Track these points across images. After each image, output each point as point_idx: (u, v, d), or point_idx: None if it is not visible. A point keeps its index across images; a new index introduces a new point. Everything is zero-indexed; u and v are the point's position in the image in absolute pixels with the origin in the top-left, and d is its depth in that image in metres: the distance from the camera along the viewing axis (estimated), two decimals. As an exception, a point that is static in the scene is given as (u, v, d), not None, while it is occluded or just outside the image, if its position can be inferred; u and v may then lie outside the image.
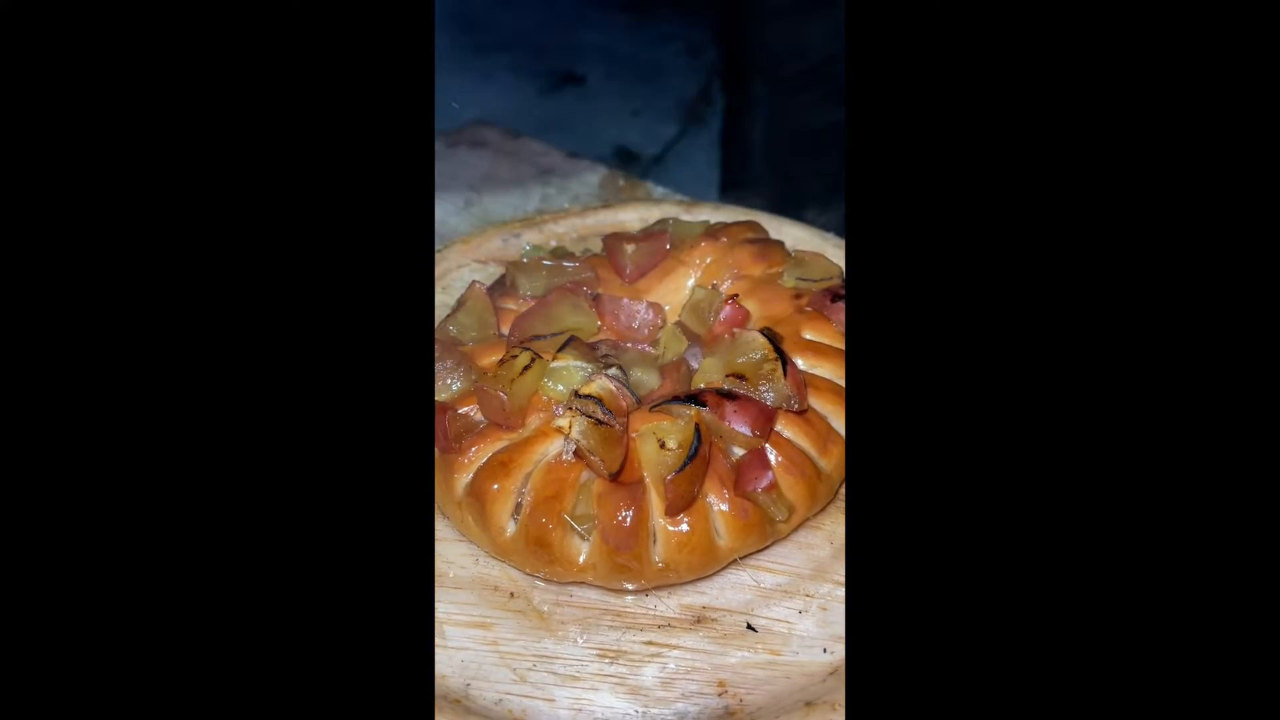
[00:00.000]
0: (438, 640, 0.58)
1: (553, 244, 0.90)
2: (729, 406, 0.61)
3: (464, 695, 0.55)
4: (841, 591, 0.60)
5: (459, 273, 0.88)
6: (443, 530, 0.65)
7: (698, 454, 0.58)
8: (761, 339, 0.66)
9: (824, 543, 0.64)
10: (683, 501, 0.58)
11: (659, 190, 1.05)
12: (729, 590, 0.61)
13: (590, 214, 0.94)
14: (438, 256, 0.88)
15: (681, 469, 0.57)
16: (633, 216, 0.93)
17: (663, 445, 0.59)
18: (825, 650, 0.57)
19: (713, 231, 0.79)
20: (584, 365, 0.65)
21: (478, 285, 0.74)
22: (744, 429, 0.61)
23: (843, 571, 0.62)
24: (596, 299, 0.73)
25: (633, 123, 1.15)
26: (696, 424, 0.59)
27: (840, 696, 0.52)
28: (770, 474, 0.59)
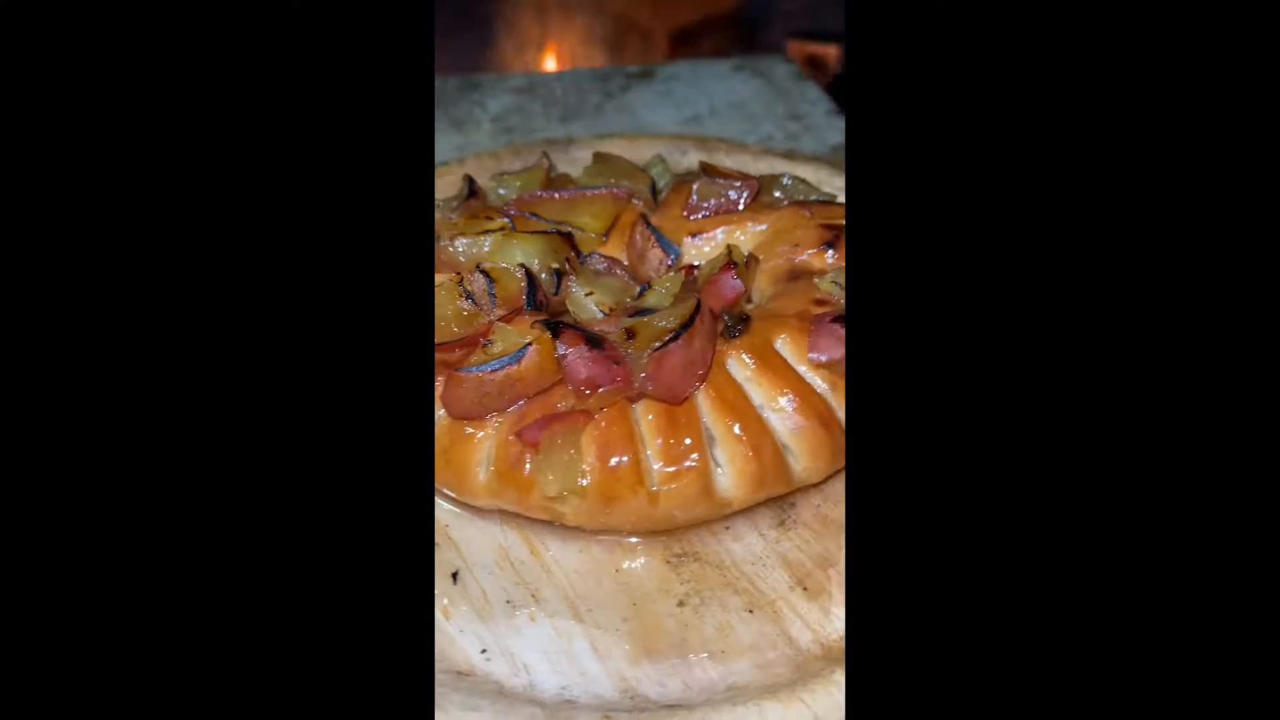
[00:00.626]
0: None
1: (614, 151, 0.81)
2: (580, 348, 0.51)
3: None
4: (569, 625, 0.47)
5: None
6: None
7: (500, 370, 0.50)
8: (690, 305, 0.52)
9: (611, 571, 0.50)
10: (460, 405, 0.51)
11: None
12: (478, 533, 0.52)
13: (765, 158, 0.82)
14: (595, 143, 0.86)
15: (470, 370, 0.50)
16: (812, 175, 0.79)
17: (487, 345, 0.52)
18: (484, 651, 0.46)
19: (804, 203, 0.63)
20: (533, 255, 0.59)
21: (546, 156, 0.72)
22: (575, 376, 0.50)
23: (592, 610, 0.48)
24: (642, 218, 0.65)
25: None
26: (528, 345, 0.51)
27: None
28: (538, 433, 0.48)
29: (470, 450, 0.51)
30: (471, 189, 0.68)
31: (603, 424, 0.50)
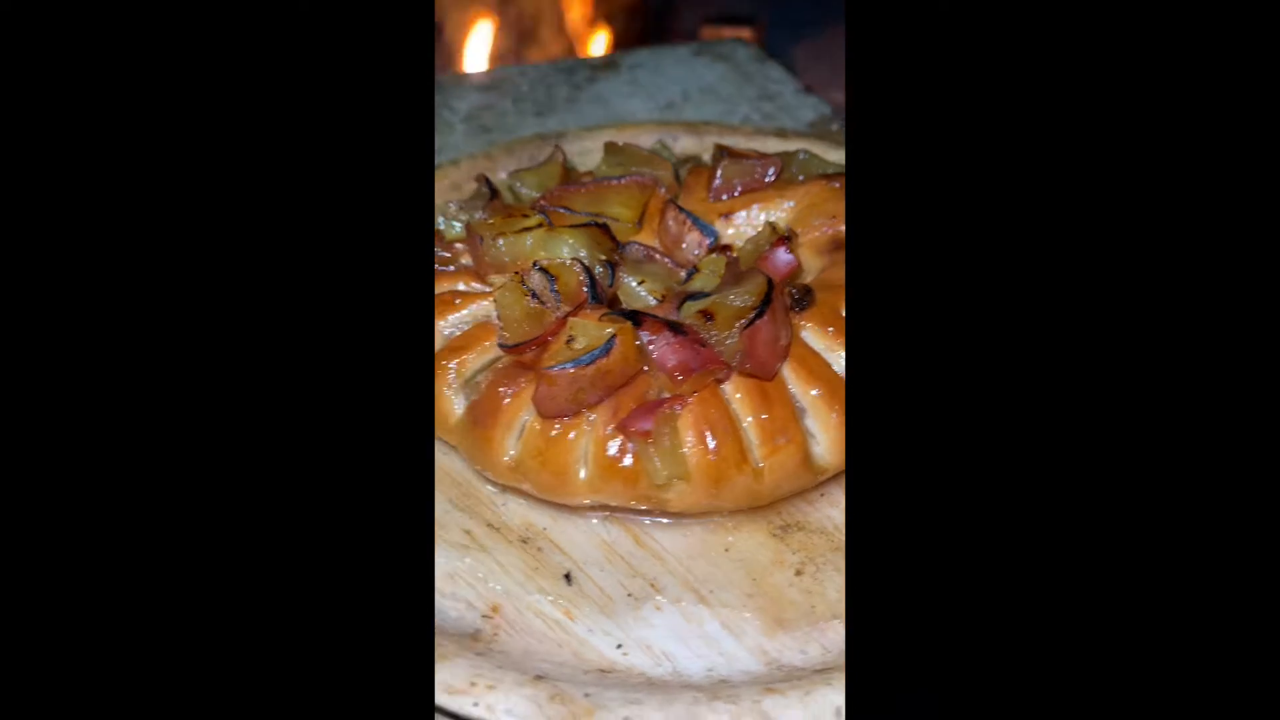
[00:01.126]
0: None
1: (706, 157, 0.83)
2: (665, 336, 0.51)
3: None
4: (697, 609, 0.48)
5: (598, 155, 0.85)
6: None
7: (592, 364, 0.49)
8: (762, 282, 0.53)
9: (721, 550, 0.51)
10: (553, 404, 0.50)
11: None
12: (578, 532, 0.52)
13: (758, 138, 0.84)
14: (585, 134, 0.86)
15: (559, 367, 0.49)
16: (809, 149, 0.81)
17: (569, 341, 0.52)
18: (619, 647, 0.46)
19: (832, 175, 0.65)
20: (579, 248, 0.59)
21: (559, 149, 0.71)
22: (666, 365, 0.50)
23: (715, 590, 0.49)
24: (667, 203, 0.65)
25: (791, 98, 0.98)
26: (614, 337, 0.50)
27: (574, 691, 0.42)
28: (650, 422, 0.48)
29: (567, 450, 0.50)
30: (491, 189, 0.67)
31: (698, 407, 0.50)
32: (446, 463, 0.57)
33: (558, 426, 0.50)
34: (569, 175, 0.70)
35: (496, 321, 0.56)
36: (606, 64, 1.09)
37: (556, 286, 0.55)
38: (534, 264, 0.56)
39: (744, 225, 0.65)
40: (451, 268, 0.61)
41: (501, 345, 0.53)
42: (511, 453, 0.51)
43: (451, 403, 0.55)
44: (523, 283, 0.55)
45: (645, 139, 0.86)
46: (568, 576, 0.50)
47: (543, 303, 0.54)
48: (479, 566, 0.50)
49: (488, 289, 0.59)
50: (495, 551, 0.51)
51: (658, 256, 0.63)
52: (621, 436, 0.50)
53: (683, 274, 0.61)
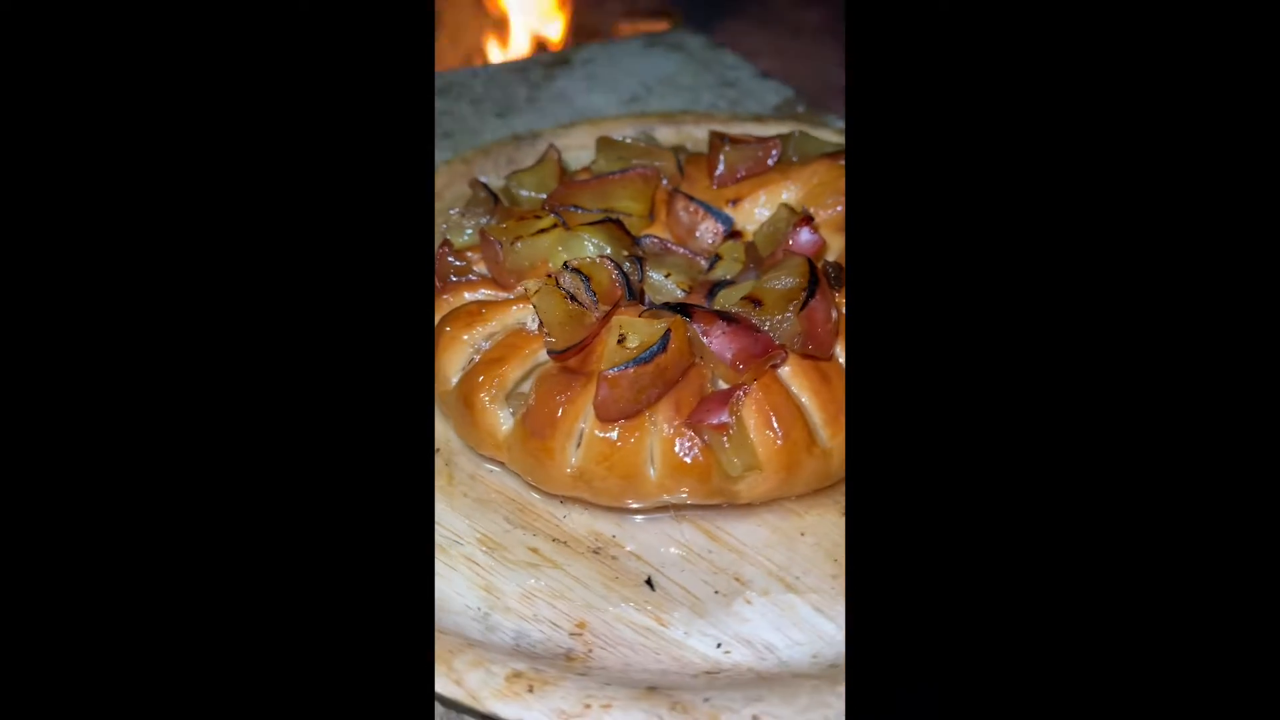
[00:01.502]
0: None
1: (626, 137, 0.81)
2: (718, 326, 0.50)
3: (336, 521, 0.52)
4: (787, 598, 0.47)
5: (577, 152, 0.83)
6: (418, 372, 0.62)
7: (650, 360, 0.48)
8: (804, 265, 0.53)
9: (796, 535, 0.50)
10: (617, 406, 0.48)
11: (840, 124, 0.91)
12: (650, 536, 0.50)
13: (736, 124, 0.84)
14: (562, 132, 0.84)
15: (623, 368, 0.48)
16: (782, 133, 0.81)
17: (622, 340, 0.50)
18: (720, 645, 0.45)
19: (835, 153, 0.65)
20: (603, 245, 0.57)
21: (554, 148, 0.69)
22: (725, 355, 0.49)
23: (800, 575, 0.48)
24: (671, 194, 0.64)
25: (750, 82, 1.01)
26: (668, 331, 0.49)
27: (693, 699, 0.41)
28: (727, 414, 0.47)
29: (634, 452, 0.48)
30: (492, 194, 0.64)
31: (760, 394, 0.49)
32: (494, 480, 0.54)
33: (616, 430, 0.49)
34: (565, 173, 0.68)
35: (533, 328, 0.54)
36: (558, 61, 1.06)
37: (590, 286, 0.54)
38: (565, 265, 0.54)
39: (751, 210, 0.65)
40: (470, 276, 0.59)
41: (551, 352, 0.51)
42: (573, 462, 0.49)
43: (497, 417, 0.52)
44: (557, 285, 0.53)
45: (622, 133, 0.85)
46: (649, 582, 0.48)
47: (581, 304, 0.53)
48: (553, 583, 0.48)
49: (507, 295, 0.57)
50: (568, 566, 0.49)
51: (674, 248, 0.62)
52: (690, 433, 0.48)
53: (703, 263, 0.61)
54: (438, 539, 0.50)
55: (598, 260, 0.55)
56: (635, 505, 0.50)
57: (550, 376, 0.51)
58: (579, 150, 0.81)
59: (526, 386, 0.52)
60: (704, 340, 0.50)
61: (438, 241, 0.62)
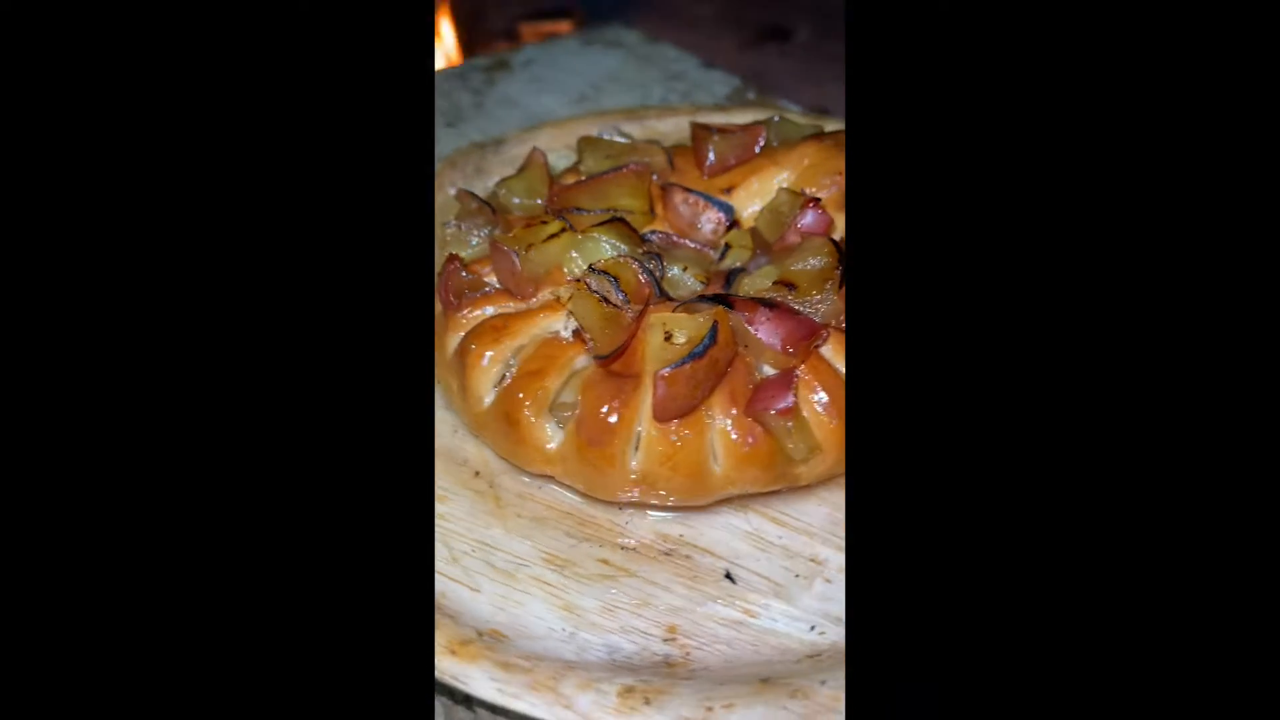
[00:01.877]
0: (386, 501, 0.52)
1: (618, 138, 0.81)
2: (761, 313, 0.50)
3: (388, 561, 0.49)
4: (859, 567, 0.48)
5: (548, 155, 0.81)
6: (436, 396, 0.59)
7: (704, 354, 0.48)
8: (828, 243, 0.53)
9: (855, 507, 0.51)
10: (674, 405, 0.48)
11: (794, 109, 0.92)
12: (717, 530, 0.50)
13: (702, 114, 0.84)
14: (526, 136, 0.82)
15: (679, 364, 0.47)
16: (749, 120, 0.82)
17: (669, 338, 0.49)
18: (813, 628, 0.45)
19: (819, 135, 0.67)
20: (618, 245, 0.56)
21: (538, 152, 0.67)
22: (773, 341, 0.50)
23: (868, 545, 0.49)
24: (665, 188, 0.63)
25: (834, 86, 1.02)
26: (715, 323, 0.49)
27: (809, 684, 0.41)
28: (791, 397, 0.48)
29: (697, 449, 0.48)
30: (486, 204, 0.62)
31: (807, 376, 0.50)
32: (545, 496, 0.52)
33: (675, 428, 0.48)
34: (553, 177, 0.66)
35: (565, 335, 0.53)
36: (497, 64, 1.04)
37: (620, 286, 0.53)
38: (591, 267, 0.53)
39: (744, 197, 0.65)
40: (486, 290, 0.56)
41: (597, 358, 0.50)
42: (634, 466, 0.48)
43: (545, 431, 0.50)
44: (588, 289, 0.52)
45: (589, 132, 0.84)
46: (729, 575, 0.48)
47: (614, 305, 0.52)
48: (633, 592, 0.47)
49: (524, 306, 0.55)
50: (643, 572, 0.48)
51: (682, 241, 0.62)
52: (750, 422, 0.48)
53: (712, 254, 0.61)
54: (502, 565, 0.49)
55: (621, 260, 0.54)
56: (702, 501, 0.50)
57: (597, 383, 0.50)
58: (549, 153, 0.80)
59: (566, 396, 0.51)
60: (749, 329, 0.50)
61: (439, 256, 0.59)
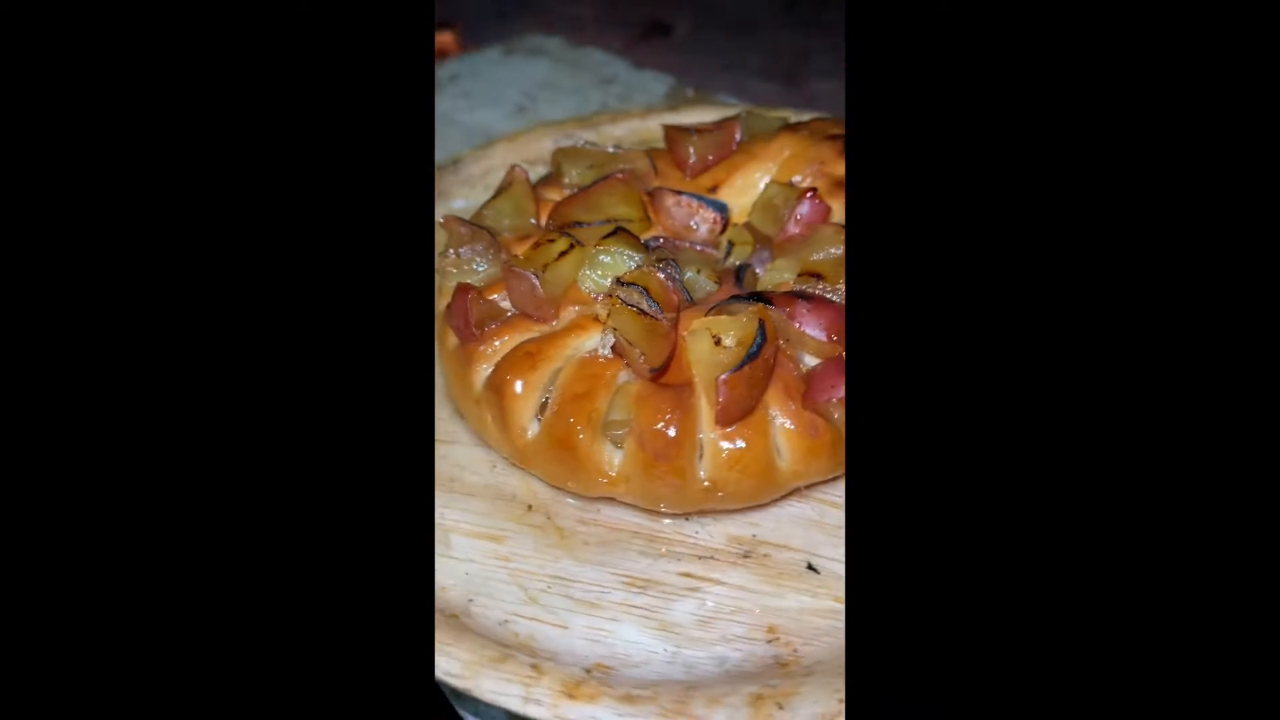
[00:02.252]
0: (440, 547, 0.50)
1: (611, 148, 0.81)
2: (801, 306, 0.51)
3: (464, 612, 0.46)
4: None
5: (501, 173, 0.79)
6: (458, 432, 0.56)
7: (759, 354, 0.48)
8: (835, 229, 0.55)
9: (904, 481, 0.53)
10: (737, 409, 0.48)
11: (732, 101, 0.94)
12: (787, 523, 0.51)
13: (653, 116, 0.84)
14: (480, 154, 0.79)
15: (739, 368, 0.47)
16: (702, 119, 0.83)
17: (718, 342, 0.49)
18: (901, 602, 0.47)
19: (793, 125, 0.68)
20: (632, 254, 0.55)
21: (519, 169, 0.65)
22: (818, 332, 0.51)
23: (925, 515, 0.51)
24: (652, 193, 0.63)
25: (720, 78, 1.04)
26: (761, 321, 0.49)
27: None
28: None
29: (763, 449, 0.48)
30: (482, 228, 0.60)
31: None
32: (606, 519, 0.51)
33: (738, 431, 0.48)
34: (536, 192, 0.65)
35: (604, 352, 0.52)
36: (422, 82, 1.00)
37: (651, 296, 0.52)
38: (618, 280, 0.52)
39: (729, 194, 0.66)
40: (507, 316, 0.54)
41: (651, 370, 0.49)
42: (702, 476, 0.48)
43: (604, 454, 0.49)
44: (622, 303, 0.51)
45: (537, 147, 0.82)
46: (811, 566, 0.49)
47: (652, 316, 0.51)
48: (722, 600, 0.47)
49: (549, 329, 0.54)
50: (727, 578, 0.48)
51: (684, 244, 0.62)
52: (811, 414, 0.49)
53: (715, 253, 0.61)
54: (583, 596, 0.47)
55: (645, 270, 0.53)
56: (772, 498, 0.50)
57: (648, 396, 0.49)
58: (502, 171, 0.78)
59: (615, 414, 0.50)
60: (791, 323, 0.51)
61: (440, 288, 0.57)
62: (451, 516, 0.51)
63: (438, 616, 0.45)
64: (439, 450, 0.55)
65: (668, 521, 0.51)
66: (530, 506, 0.52)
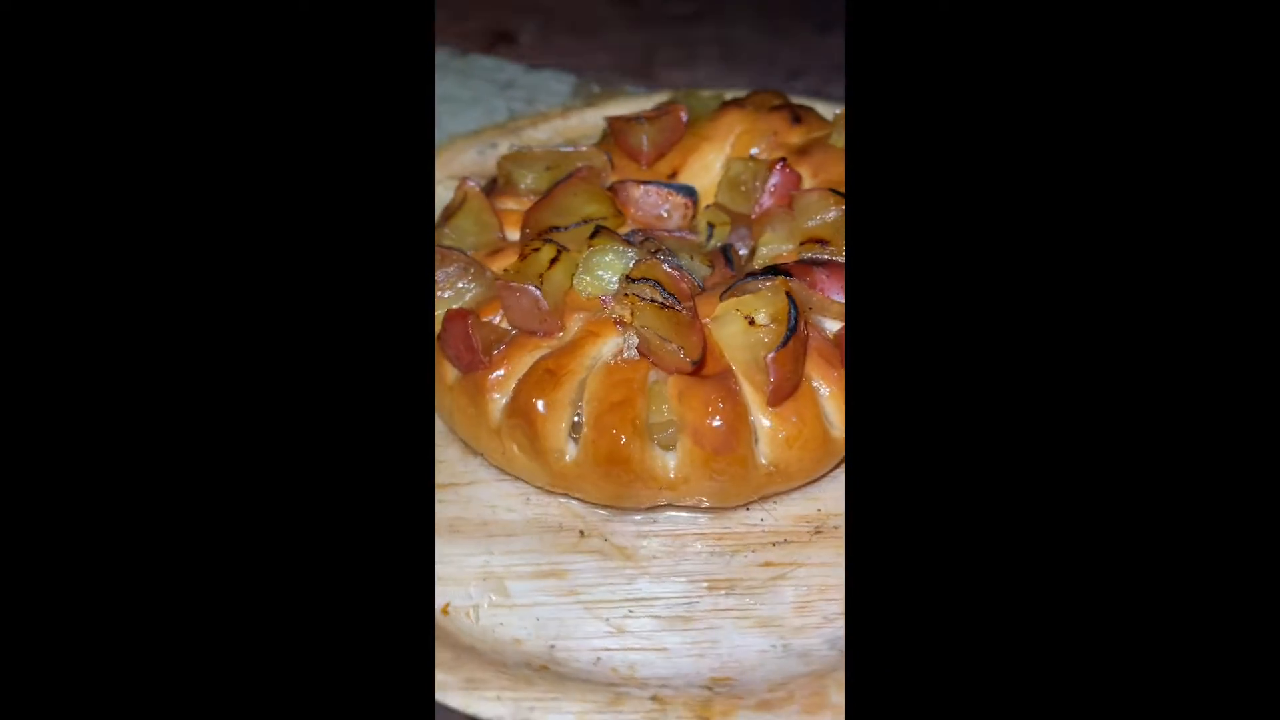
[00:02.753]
0: (498, 597, 0.45)
1: (565, 147, 0.77)
2: (819, 273, 0.50)
3: (551, 660, 0.42)
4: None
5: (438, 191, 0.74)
6: (475, 470, 0.52)
7: (797, 327, 0.47)
8: (830, 193, 0.55)
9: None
10: (789, 385, 0.47)
11: (638, 91, 0.93)
12: (841, 492, 0.50)
13: (574, 114, 0.81)
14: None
15: (784, 344, 0.46)
16: (626, 110, 0.81)
17: (752, 322, 0.48)
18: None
19: (733, 102, 0.68)
20: (625, 251, 0.53)
21: (469, 184, 0.60)
22: (840, 296, 0.50)
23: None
24: (614, 187, 0.61)
25: (524, 78, 1.03)
26: (788, 293, 0.48)
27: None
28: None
29: (817, 423, 0.47)
30: (458, 250, 0.55)
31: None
32: (665, 526, 0.48)
33: (790, 409, 0.47)
34: (491, 202, 0.61)
35: (631, 353, 0.49)
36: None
37: (666, 289, 0.50)
38: (628, 278, 0.50)
39: (688, 178, 0.65)
40: (512, 336, 0.50)
41: (693, 363, 0.46)
42: (763, 461, 0.46)
43: (657, 459, 0.46)
44: (640, 300, 0.48)
45: (460, 158, 0.78)
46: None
47: (674, 308, 0.49)
48: (811, 581, 0.45)
49: (560, 341, 0.50)
50: (807, 558, 0.46)
51: (663, 233, 0.60)
52: (853, 376, 0.48)
53: (698, 238, 0.60)
54: (671, 612, 0.44)
55: (650, 263, 0.51)
56: (828, 469, 0.49)
57: (692, 391, 0.47)
58: (437, 185, 0.73)
59: (656, 416, 0.47)
60: (812, 290, 0.50)
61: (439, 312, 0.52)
62: (500, 562, 0.47)
63: (523, 672, 0.41)
64: (460, 493, 0.50)
65: (731, 516, 0.49)
66: (582, 532, 0.48)
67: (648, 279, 0.49)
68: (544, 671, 0.41)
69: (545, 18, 2.03)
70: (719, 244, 0.59)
